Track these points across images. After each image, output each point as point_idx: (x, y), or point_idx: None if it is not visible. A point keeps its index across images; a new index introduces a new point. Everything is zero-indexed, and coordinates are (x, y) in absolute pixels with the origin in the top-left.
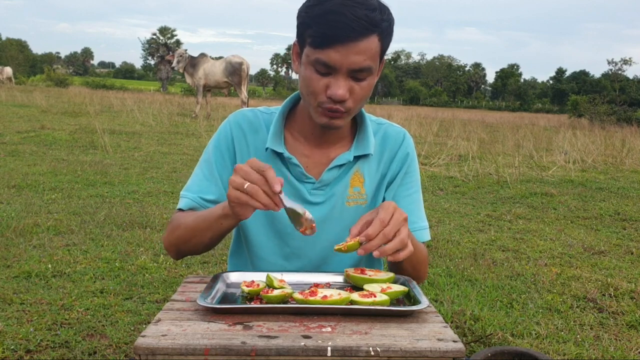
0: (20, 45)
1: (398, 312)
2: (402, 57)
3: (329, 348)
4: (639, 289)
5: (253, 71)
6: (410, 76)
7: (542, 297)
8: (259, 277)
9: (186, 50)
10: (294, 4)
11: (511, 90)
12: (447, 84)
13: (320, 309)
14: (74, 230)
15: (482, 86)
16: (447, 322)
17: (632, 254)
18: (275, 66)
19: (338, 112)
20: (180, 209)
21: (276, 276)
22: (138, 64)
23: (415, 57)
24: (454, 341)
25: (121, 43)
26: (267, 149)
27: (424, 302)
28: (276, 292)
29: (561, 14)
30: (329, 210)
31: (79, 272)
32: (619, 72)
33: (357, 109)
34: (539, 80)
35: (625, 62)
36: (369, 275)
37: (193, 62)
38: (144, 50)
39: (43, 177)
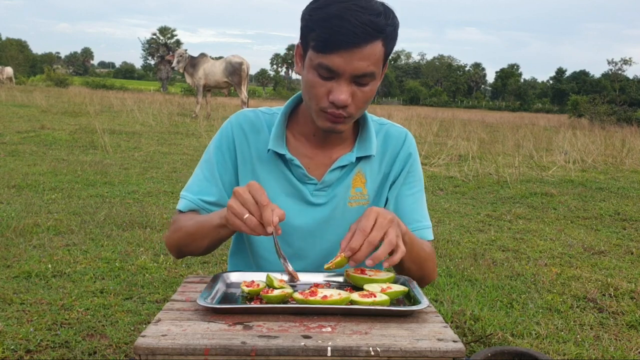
0: (20, 45)
1: (398, 312)
2: (402, 57)
3: (329, 348)
4: (639, 289)
5: (253, 71)
6: (410, 76)
7: (542, 297)
8: (259, 277)
9: (186, 50)
10: (294, 4)
11: (511, 90)
12: (447, 84)
13: (320, 309)
14: (74, 230)
15: (482, 86)
16: (447, 322)
17: (632, 254)
18: (275, 66)
19: (340, 117)
20: (180, 210)
21: (276, 276)
22: (138, 64)
23: (415, 57)
24: (454, 341)
25: (121, 43)
26: (269, 150)
27: (424, 302)
28: (276, 292)
29: (561, 14)
30: (331, 211)
31: (79, 272)
32: (619, 72)
33: (359, 114)
34: (539, 80)
35: (625, 62)
36: (369, 275)
37: (193, 62)
38: (144, 50)
39: (43, 177)
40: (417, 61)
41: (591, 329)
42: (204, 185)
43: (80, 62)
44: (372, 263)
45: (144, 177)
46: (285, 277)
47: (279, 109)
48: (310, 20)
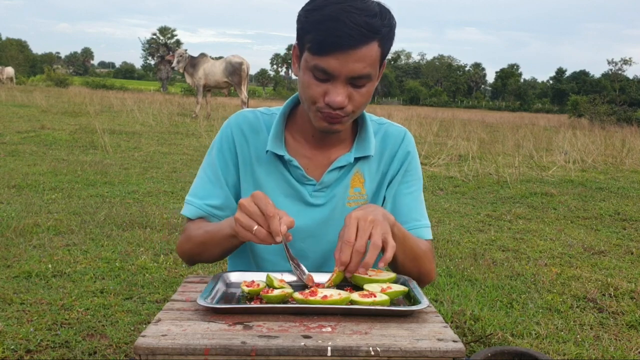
0: (20, 45)
1: (398, 312)
2: (402, 57)
3: (329, 348)
4: (639, 289)
5: (253, 71)
6: (410, 76)
7: (542, 297)
8: (259, 277)
9: (186, 50)
10: (294, 4)
11: (511, 90)
12: (447, 84)
13: (320, 309)
14: (74, 230)
15: (482, 86)
16: (447, 322)
17: (632, 254)
18: (275, 66)
19: (337, 118)
20: (188, 218)
21: (276, 276)
22: (138, 64)
23: (415, 57)
24: (454, 341)
25: (121, 43)
26: (267, 151)
27: (424, 302)
28: (276, 292)
29: (561, 14)
30: (330, 211)
31: (79, 272)
32: (619, 72)
33: (356, 114)
34: (539, 80)
35: (625, 62)
36: (370, 275)
37: (193, 62)
38: (144, 50)
39: (43, 177)
40: (417, 61)
41: (591, 329)
42: (209, 188)
43: (81, 62)
44: (364, 271)
45: (144, 177)
46: (286, 278)
47: (277, 109)
48: (305, 22)
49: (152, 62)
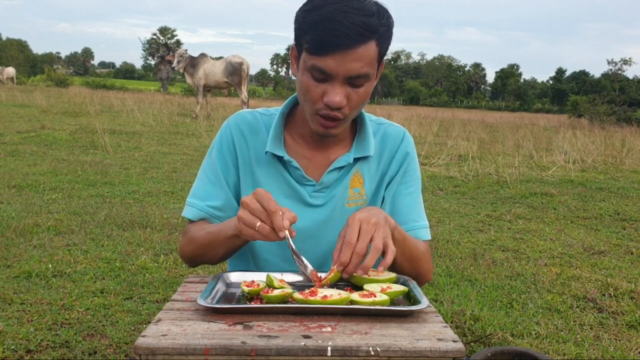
0: (20, 45)
1: (398, 312)
2: (402, 57)
3: (329, 348)
4: (639, 289)
5: (253, 71)
6: (410, 76)
7: (542, 297)
8: (259, 277)
9: (186, 50)
10: (294, 4)
11: (511, 90)
12: (447, 84)
13: (320, 309)
14: (74, 230)
15: (482, 86)
16: (447, 322)
17: (632, 254)
18: (275, 66)
19: (335, 120)
20: (190, 220)
21: (276, 276)
22: (138, 64)
23: (415, 57)
24: (454, 341)
25: (121, 43)
26: (266, 152)
27: (424, 302)
28: (276, 292)
29: (561, 14)
30: (329, 212)
31: (79, 272)
32: (619, 72)
33: (354, 115)
34: (539, 80)
35: (625, 62)
36: (371, 275)
37: (193, 62)
38: (144, 51)
39: (43, 177)
40: (417, 61)
41: (591, 329)
42: (210, 189)
43: (81, 62)
44: (362, 273)
45: (144, 177)
46: (286, 278)
47: (276, 109)
48: (303, 23)
49: (152, 62)
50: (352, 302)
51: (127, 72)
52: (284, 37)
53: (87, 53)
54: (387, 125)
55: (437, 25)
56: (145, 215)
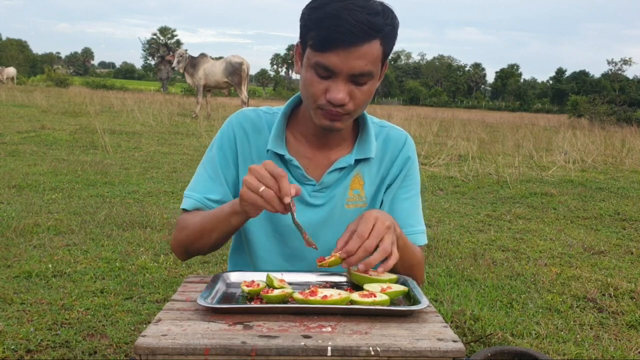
0: (20, 45)
1: (398, 312)
2: (402, 57)
3: (329, 348)
4: (639, 289)
5: (253, 71)
6: (410, 76)
7: (542, 297)
8: (259, 277)
9: (186, 50)
10: (294, 4)
11: (511, 90)
12: (447, 84)
13: (320, 308)
14: (74, 230)
15: (482, 86)
16: (447, 322)
17: (632, 254)
18: (275, 66)
19: (338, 115)
20: (185, 209)
21: (276, 276)
22: (138, 64)
23: (415, 57)
24: (454, 341)
25: (121, 43)
26: (268, 150)
27: (424, 302)
28: (276, 292)
29: (561, 14)
30: (328, 212)
31: (80, 272)
32: (619, 72)
33: (357, 113)
34: (539, 80)
35: (625, 62)
36: (371, 275)
37: (193, 62)
38: (144, 51)
39: (43, 177)
40: (417, 61)
41: (591, 328)
42: (209, 184)
43: (81, 62)
44: (364, 268)
45: (144, 177)
46: (286, 278)
47: (279, 108)
48: (308, 20)
49: (153, 62)
50: (352, 302)
51: (127, 72)
52: (284, 37)
53: (87, 53)
54: (389, 129)
55: (437, 25)
56: (145, 215)
